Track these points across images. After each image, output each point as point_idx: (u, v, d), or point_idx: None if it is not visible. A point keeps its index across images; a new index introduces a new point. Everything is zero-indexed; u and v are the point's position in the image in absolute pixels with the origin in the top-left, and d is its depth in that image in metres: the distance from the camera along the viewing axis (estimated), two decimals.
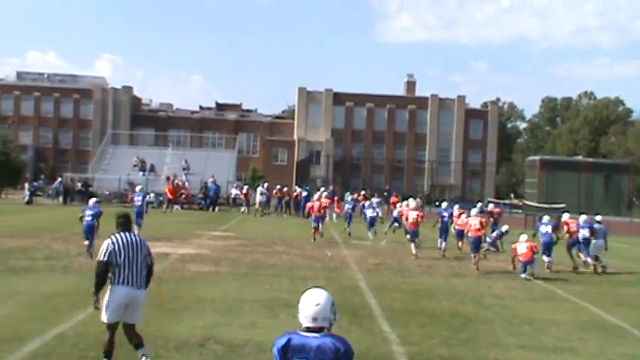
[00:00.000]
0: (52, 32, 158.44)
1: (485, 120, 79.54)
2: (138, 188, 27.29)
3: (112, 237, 8.00)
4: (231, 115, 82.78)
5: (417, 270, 18.55)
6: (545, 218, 21.57)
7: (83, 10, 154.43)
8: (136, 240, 8.00)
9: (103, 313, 7.83)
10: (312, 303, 4.38)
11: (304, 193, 40.83)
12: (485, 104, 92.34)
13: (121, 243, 7.86)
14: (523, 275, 17.85)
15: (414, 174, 77.77)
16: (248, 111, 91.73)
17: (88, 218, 17.70)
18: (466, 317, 12.29)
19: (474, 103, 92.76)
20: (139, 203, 24.48)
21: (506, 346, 10.39)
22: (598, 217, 22.22)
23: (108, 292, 7.82)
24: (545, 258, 19.58)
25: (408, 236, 21.98)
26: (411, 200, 25.18)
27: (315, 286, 4.58)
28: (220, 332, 10.05)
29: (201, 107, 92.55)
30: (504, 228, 24.39)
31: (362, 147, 78.30)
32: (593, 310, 13.96)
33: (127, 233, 8.02)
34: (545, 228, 20.34)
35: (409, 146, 78.31)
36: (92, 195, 42.98)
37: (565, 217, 22.25)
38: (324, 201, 28.30)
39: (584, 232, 21.31)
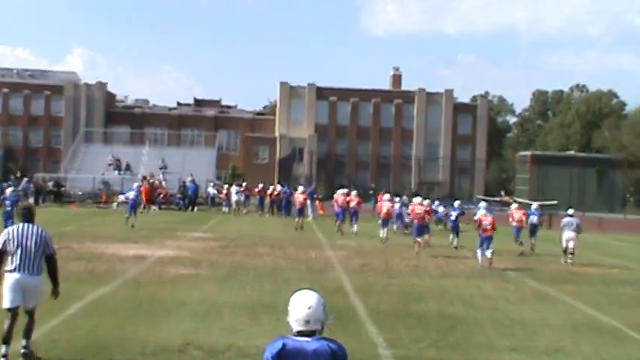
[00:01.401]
0: (21, 25, 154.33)
1: (474, 114, 77.91)
2: (135, 185, 31.04)
3: (10, 228, 8.77)
4: (210, 112, 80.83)
5: (404, 271, 18.40)
6: (482, 204, 23.94)
7: (54, 2, 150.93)
8: (33, 230, 8.56)
9: (4, 299, 8.41)
10: (303, 306, 4.32)
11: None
12: (474, 98, 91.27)
13: (15, 233, 8.49)
14: (479, 251, 19.23)
15: (401, 171, 76.17)
16: (228, 107, 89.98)
17: (8, 209, 19.93)
18: (455, 319, 12.20)
19: (463, 97, 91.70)
20: (133, 197, 28.23)
21: (498, 348, 10.34)
22: (570, 211, 23.30)
23: (5, 280, 8.42)
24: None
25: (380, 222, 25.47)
26: (386, 195, 28.79)
27: (304, 288, 4.50)
28: (200, 337, 9.99)
29: (179, 103, 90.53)
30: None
31: (346, 143, 76.58)
32: (586, 310, 13.93)
33: (26, 224, 8.61)
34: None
35: (395, 142, 76.63)
36: (62, 195, 43.73)
37: (512, 207, 25.29)
38: (343, 197, 29.87)
39: (532, 219, 23.96)
